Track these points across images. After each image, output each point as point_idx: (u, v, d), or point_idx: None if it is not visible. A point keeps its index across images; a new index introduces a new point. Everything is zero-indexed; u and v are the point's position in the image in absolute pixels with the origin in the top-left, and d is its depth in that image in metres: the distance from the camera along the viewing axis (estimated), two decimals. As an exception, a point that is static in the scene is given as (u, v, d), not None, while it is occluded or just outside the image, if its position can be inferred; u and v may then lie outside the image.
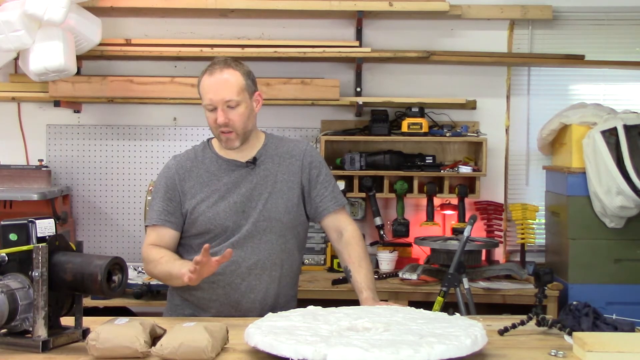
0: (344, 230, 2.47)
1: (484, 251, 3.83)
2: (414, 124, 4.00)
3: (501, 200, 4.23)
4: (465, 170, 4.00)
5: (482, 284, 3.64)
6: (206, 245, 2.10)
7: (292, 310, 2.08)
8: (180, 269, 2.20)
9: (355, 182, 3.99)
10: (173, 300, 2.48)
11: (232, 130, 2.34)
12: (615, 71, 4.24)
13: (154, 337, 1.85)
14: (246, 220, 2.36)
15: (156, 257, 2.33)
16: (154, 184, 3.66)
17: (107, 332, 1.79)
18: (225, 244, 2.35)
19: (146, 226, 2.44)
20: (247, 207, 2.36)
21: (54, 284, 1.86)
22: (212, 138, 2.49)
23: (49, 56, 3.55)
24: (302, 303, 2.27)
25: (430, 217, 4.05)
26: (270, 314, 2.01)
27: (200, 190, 2.38)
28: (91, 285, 1.84)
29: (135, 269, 3.72)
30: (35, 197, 3.71)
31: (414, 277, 3.51)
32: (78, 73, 3.97)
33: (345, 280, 3.71)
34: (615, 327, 2.02)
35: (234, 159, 2.41)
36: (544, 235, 4.16)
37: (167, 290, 3.49)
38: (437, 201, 4.11)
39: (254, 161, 2.40)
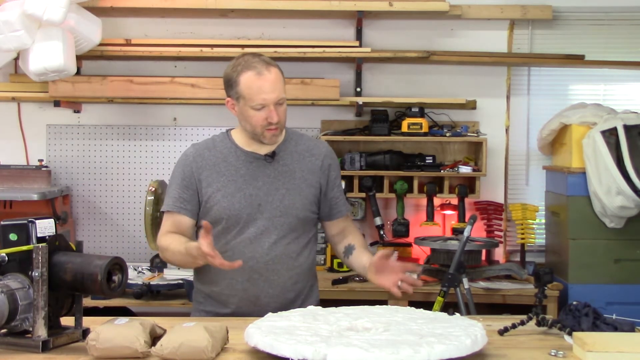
0: (350, 234, 2.54)
1: (484, 251, 3.83)
2: (414, 124, 4.00)
3: (501, 200, 4.23)
4: (465, 170, 4.00)
5: (482, 284, 3.64)
6: (205, 223, 2.13)
7: (292, 310, 2.08)
8: (189, 250, 2.19)
9: (355, 182, 3.99)
10: (197, 298, 2.50)
11: (278, 127, 2.35)
12: (615, 71, 4.24)
13: (154, 337, 1.85)
14: (262, 215, 2.36)
15: (166, 245, 2.35)
16: (153, 184, 3.67)
17: (107, 332, 1.79)
18: (242, 237, 2.36)
19: (162, 212, 2.46)
20: (264, 201, 2.37)
21: (54, 284, 1.86)
22: (232, 129, 2.49)
23: (49, 56, 3.55)
24: (302, 303, 2.28)
25: (430, 217, 4.05)
26: (270, 313, 2.02)
27: (217, 180, 2.38)
28: (91, 285, 1.84)
29: (135, 269, 3.72)
30: (35, 197, 3.71)
31: (414, 277, 3.50)
32: (78, 73, 3.97)
33: (345, 280, 3.71)
34: (615, 327, 2.02)
35: (254, 151, 2.41)
36: (544, 235, 4.16)
37: (167, 291, 3.52)
38: (437, 201, 4.11)
39: (272, 155, 2.41)
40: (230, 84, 2.36)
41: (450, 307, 3.00)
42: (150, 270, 3.73)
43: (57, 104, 3.99)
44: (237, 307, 2.36)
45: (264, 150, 2.41)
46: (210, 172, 2.39)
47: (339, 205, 2.50)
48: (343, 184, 3.86)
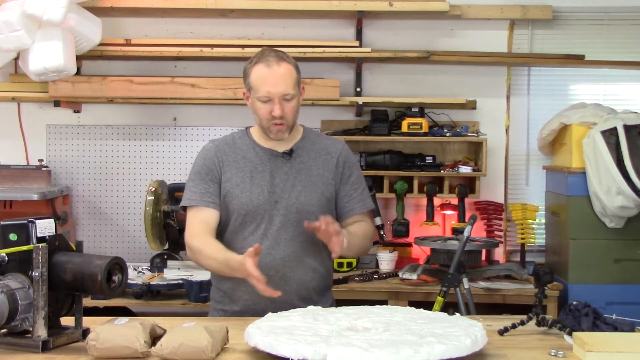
0: (355, 224, 2.47)
1: (484, 251, 3.83)
2: (414, 124, 4.00)
3: (501, 200, 4.23)
4: (465, 170, 4.00)
5: (482, 284, 3.64)
6: (257, 246, 2.13)
7: (292, 310, 2.08)
8: (230, 262, 2.21)
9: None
10: (215, 297, 2.51)
11: (284, 123, 2.37)
12: (615, 71, 4.24)
13: (154, 337, 1.85)
14: (278, 211, 2.37)
15: (198, 247, 2.34)
16: (153, 184, 3.67)
17: (107, 332, 1.79)
18: (258, 233, 2.37)
19: (184, 207, 2.44)
20: (280, 197, 2.38)
21: (54, 284, 1.86)
22: (251, 127, 2.51)
23: (49, 56, 3.55)
24: (303, 303, 2.27)
25: (430, 217, 4.06)
26: (270, 313, 2.02)
27: (236, 175, 2.40)
28: (91, 285, 1.84)
29: (135, 269, 3.72)
30: (35, 197, 3.71)
31: (414, 277, 3.51)
32: (78, 73, 3.97)
33: (345, 280, 3.71)
34: (615, 327, 2.02)
35: (271, 148, 2.43)
36: (544, 235, 4.16)
37: (167, 291, 3.52)
38: (437, 201, 4.11)
39: (290, 153, 2.43)
40: (245, 75, 2.41)
41: (450, 307, 3.00)
42: (150, 270, 3.73)
43: (57, 104, 3.99)
44: (253, 303, 2.36)
45: (281, 147, 2.43)
46: (230, 167, 2.41)
47: (352, 204, 2.48)
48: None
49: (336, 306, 2.27)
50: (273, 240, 2.36)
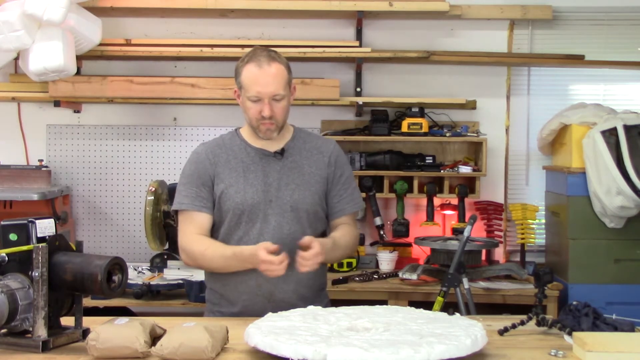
0: (339, 229, 2.47)
1: (484, 251, 3.83)
2: (414, 124, 4.00)
3: (501, 200, 4.23)
4: (465, 170, 4.00)
5: (482, 284, 3.65)
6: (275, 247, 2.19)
7: (292, 310, 2.08)
8: (240, 254, 2.27)
9: (355, 182, 3.98)
10: (211, 299, 2.50)
11: (273, 122, 2.37)
12: (615, 71, 4.24)
13: (154, 337, 1.85)
14: (273, 210, 2.38)
15: (200, 250, 2.37)
16: (153, 184, 3.67)
17: (107, 332, 1.79)
18: (253, 232, 2.37)
19: (175, 211, 2.45)
20: (274, 196, 2.39)
21: (54, 284, 1.86)
22: (240, 127, 2.52)
23: (49, 56, 3.55)
24: (303, 303, 2.27)
25: (430, 217, 4.05)
26: (270, 313, 2.02)
27: (229, 176, 2.41)
28: (91, 285, 1.84)
29: (135, 269, 3.72)
30: (35, 197, 3.71)
31: (414, 277, 3.51)
32: (78, 73, 3.97)
33: (345, 280, 3.71)
34: (615, 327, 2.02)
35: (263, 147, 2.44)
36: (544, 235, 4.16)
37: (167, 291, 3.52)
38: (437, 201, 4.11)
39: (281, 152, 2.43)
40: (236, 74, 2.41)
41: (450, 307, 3.00)
42: (150, 270, 3.73)
43: (57, 104, 3.99)
44: (252, 303, 2.37)
45: (273, 146, 2.43)
46: (222, 169, 2.42)
47: (342, 204, 2.48)
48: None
49: (331, 305, 2.26)
50: (269, 240, 2.35)
